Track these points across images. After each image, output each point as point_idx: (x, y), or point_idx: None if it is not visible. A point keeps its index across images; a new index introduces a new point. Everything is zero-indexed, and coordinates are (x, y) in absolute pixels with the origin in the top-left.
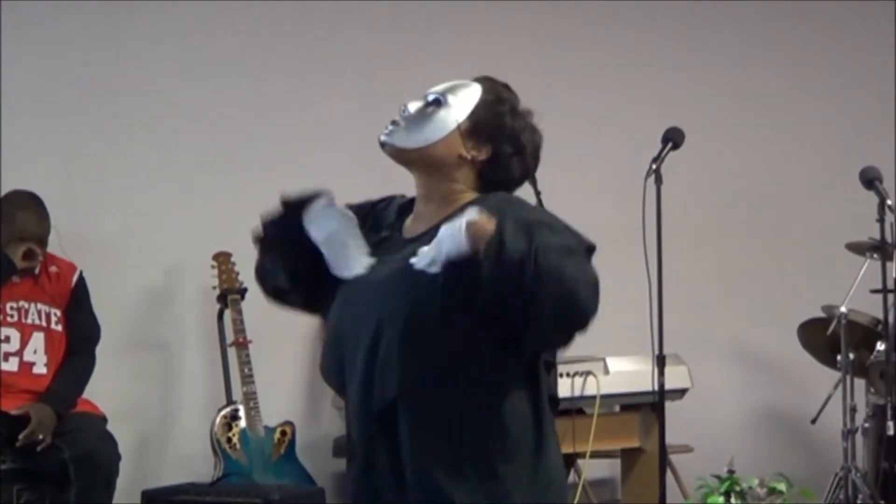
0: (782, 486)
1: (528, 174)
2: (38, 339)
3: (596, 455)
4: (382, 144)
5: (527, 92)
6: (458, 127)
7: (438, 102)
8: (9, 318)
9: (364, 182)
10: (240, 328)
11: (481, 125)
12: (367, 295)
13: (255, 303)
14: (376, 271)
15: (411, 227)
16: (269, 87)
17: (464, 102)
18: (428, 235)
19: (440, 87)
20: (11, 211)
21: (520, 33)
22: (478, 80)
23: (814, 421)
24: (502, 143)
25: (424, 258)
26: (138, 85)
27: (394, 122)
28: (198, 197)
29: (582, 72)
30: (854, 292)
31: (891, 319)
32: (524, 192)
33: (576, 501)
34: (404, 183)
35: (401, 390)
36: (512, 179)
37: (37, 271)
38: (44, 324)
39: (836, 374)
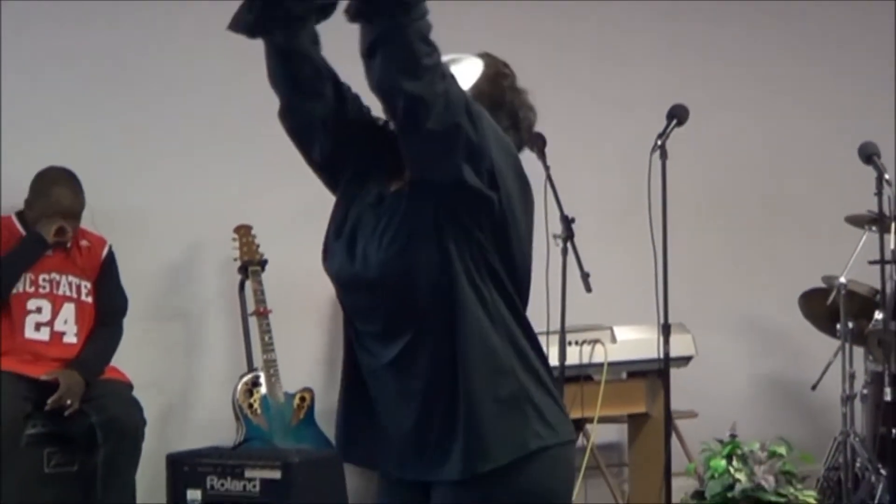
0: (782, 450)
1: (521, 149)
2: (68, 309)
3: (604, 420)
4: None
5: (537, 71)
6: None
7: None
8: (41, 290)
9: None
10: (260, 298)
11: (482, 97)
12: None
13: (275, 274)
14: (366, 219)
15: (395, 183)
16: None
17: (466, 74)
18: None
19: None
20: (46, 186)
21: (530, 14)
22: (479, 55)
23: (814, 387)
24: (500, 116)
25: None
26: (162, 61)
27: None
28: (219, 172)
29: (590, 51)
30: (853, 263)
31: (888, 289)
32: (532, 168)
33: (584, 465)
34: None
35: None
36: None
37: (68, 245)
38: (74, 295)
39: (836, 343)
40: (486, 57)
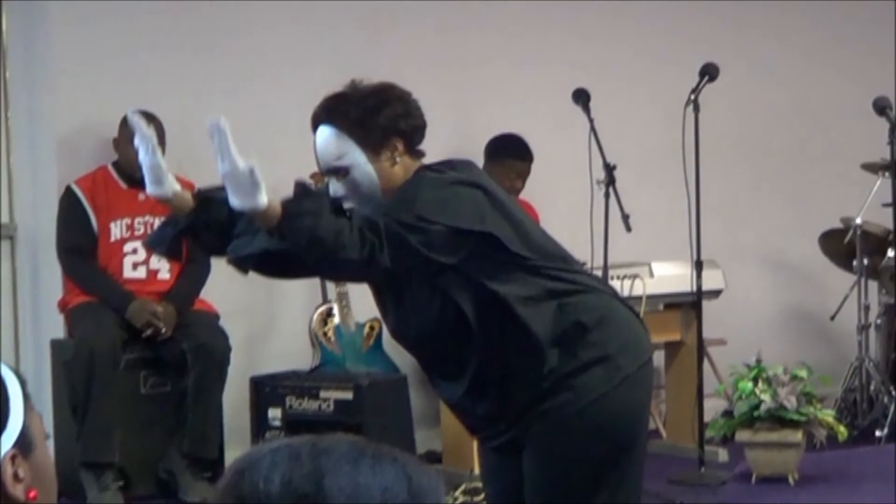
0: (803, 373)
1: (421, 110)
2: None
3: None
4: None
5: (584, 30)
6: (370, 161)
7: (345, 171)
8: (136, 233)
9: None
10: None
11: (375, 140)
12: None
13: None
14: None
15: None
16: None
17: (350, 149)
18: None
19: (328, 161)
20: (126, 121)
21: None
22: (321, 122)
23: (833, 317)
24: (397, 126)
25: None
26: (246, 25)
27: (343, 198)
28: (297, 121)
29: (634, 14)
30: (868, 206)
31: None
32: (578, 120)
33: None
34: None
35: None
36: (424, 129)
37: (163, 330)
38: None
39: (853, 277)
40: (330, 117)
